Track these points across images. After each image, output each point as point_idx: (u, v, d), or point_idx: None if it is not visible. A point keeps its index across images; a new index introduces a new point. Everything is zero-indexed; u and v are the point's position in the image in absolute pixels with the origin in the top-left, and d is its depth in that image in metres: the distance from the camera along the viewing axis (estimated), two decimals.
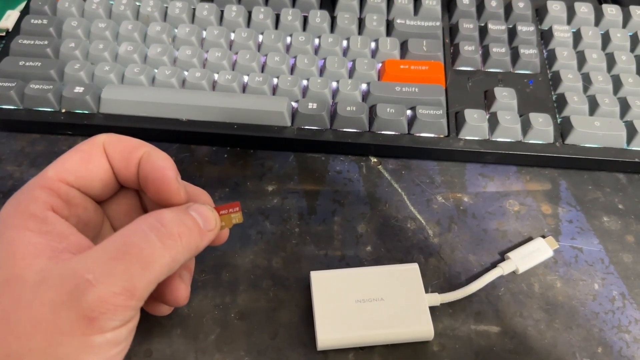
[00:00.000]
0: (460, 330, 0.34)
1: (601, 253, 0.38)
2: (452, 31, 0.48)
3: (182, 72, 0.42)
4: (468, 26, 0.47)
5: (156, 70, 0.42)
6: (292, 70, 0.44)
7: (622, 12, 0.48)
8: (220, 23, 0.46)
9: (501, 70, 0.45)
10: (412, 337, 0.33)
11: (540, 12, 0.49)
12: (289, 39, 0.45)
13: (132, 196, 0.31)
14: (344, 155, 0.42)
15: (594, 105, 0.42)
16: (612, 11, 0.48)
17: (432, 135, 0.41)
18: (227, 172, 0.41)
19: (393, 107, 0.41)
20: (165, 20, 0.46)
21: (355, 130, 0.41)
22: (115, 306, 0.23)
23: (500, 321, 0.35)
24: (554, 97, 0.44)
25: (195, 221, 0.27)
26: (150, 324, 0.33)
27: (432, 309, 0.34)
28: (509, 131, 0.41)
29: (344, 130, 0.41)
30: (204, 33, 0.45)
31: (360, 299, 0.33)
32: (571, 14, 0.48)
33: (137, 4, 0.46)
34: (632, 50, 0.46)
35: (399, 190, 0.41)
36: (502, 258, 0.37)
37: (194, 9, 0.46)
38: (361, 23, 0.47)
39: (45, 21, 0.44)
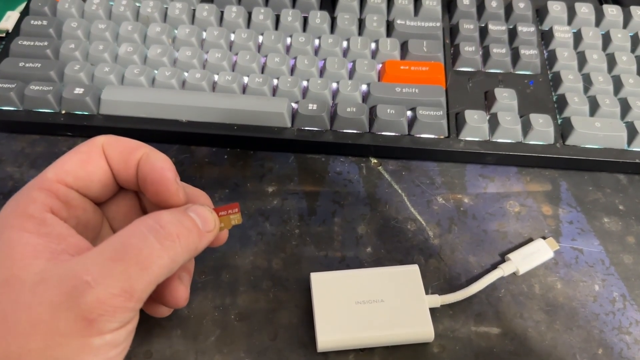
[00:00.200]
0: (461, 332, 0.34)
1: (602, 254, 0.38)
2: (452, 32, 0.48)
3: (182, 73, 0.42)
4: (468, 27, 0.47)
5: (156, 71, 0.42)
6: (292, 71, 0.44)
7: (622, 13, 0.48)
8: (220, 24, 0.46)
9: (501, 71, 0.45)
10: (413, 338, 0.33)
11: (540, 13, 0.49)
12: (289, 40, 0.45)
13: (131, 197, 0.31)
14: (344, 156, 0.42)
15: (594, 106, 0.42)
16: (612, 12, 0.48)
17: (432, 136, 0.41)
18: (227, 173, 0.41)
19: (393, 108, 0.41)
20: (165, 21, 0.46)
21: (355, 131, 0.41)
22: (114, 308, 0.23)
23: (501, 322, 0.35)
24: (554, 98, 0.44)
25: (194, 222, 0.27)
26: (150, 325, 0.33)
27: (433, 311, 0.34)
28: (509, 132, 0.41)
29: (344, 131, 0.41)
30: (204, 34, 0.45)
31: (361, 300, 0.33)
32: (572, 14, 0.48)
33: (137, 4, 0.46)
34: (633, 50, 0.46)
35: (399, 191, 0.41)
36: (503, 259, 0.37)
37: (194, 10, 0.46)
38: (361, 24, 0.47)
39: (45, 22, 0.44)
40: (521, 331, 0.34)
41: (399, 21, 0.47)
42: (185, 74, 0.43)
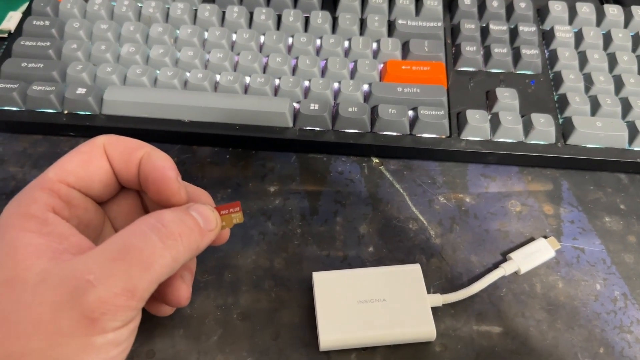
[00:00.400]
0: (462, 331, 0.34)
1: (603, 253, 0.38)
2: (453, 32, 0.48)
3: (184, 73, 0.43)
4: (469, 27, 0.47)
5: (158, 72, 0.42)
6: (294, 71, 0.44)
7: (623, 12, 0.48)
8: (222, 24, 0.46)
9: (503, 71, 0.45)
10: (414, 337, 0.33)
11: (541, 13, 0.49)
12: (290, 40, 0.45)
13: (133, 197, 0.31)
14: (345, 156, 0.42)
15: (595, 106, 0.42)
16: (613, 11, 0.48)
17: (433, 135, 0.41)
18: (229, 173, 0.41)
19: (395, 107, 0.41)
20: (167, 21, 0.46)
21: (357, 131, 0.41)
22: (116, 307, 0.23)
23: (502, 322, 0.35)
24: (555, 98, 0.44)
25: (195, 221, 0.27)
26: (152, 324, 0.33)
27: (434, 310, 0.34)
28: (510, 132, 0.41)
29: (346, 131, 0.41)
30: (206, 34, 0.45)
31: (363, 300, 0.33)
32: (573, 14, 0.48)
33: (139, 5, 0.46)
34: (634, 50, 0.46)
35: (401, 190, 0.41)
36: (504, 258, 0.37)
37: (196, 10, 0.46)
38: (363, 24, 0.47)
39: (47, 22, 0.45)
40: (523, 330, 0.34)
41: (400, 21, 0.47)
42: (187, 74, 0.43)
